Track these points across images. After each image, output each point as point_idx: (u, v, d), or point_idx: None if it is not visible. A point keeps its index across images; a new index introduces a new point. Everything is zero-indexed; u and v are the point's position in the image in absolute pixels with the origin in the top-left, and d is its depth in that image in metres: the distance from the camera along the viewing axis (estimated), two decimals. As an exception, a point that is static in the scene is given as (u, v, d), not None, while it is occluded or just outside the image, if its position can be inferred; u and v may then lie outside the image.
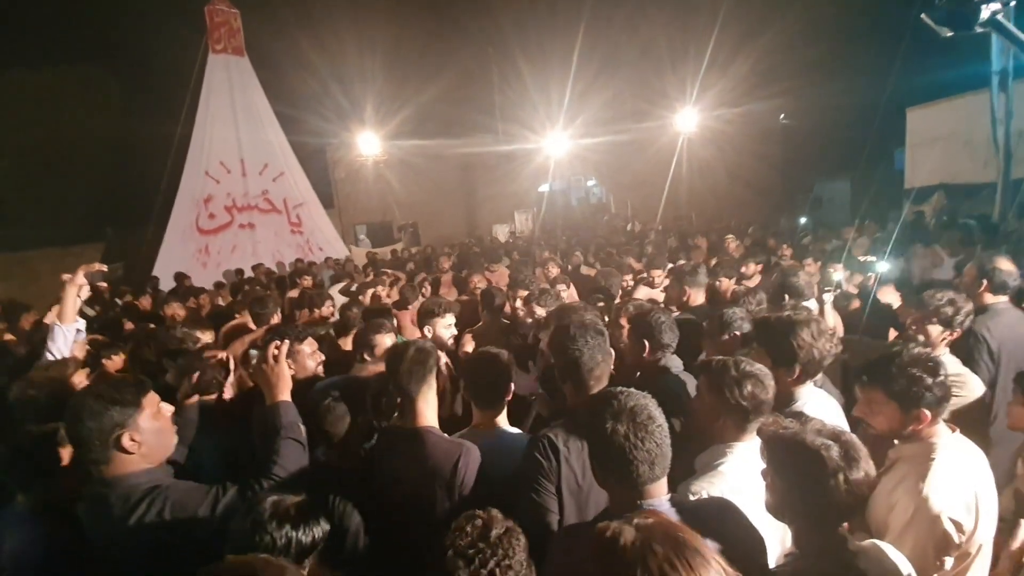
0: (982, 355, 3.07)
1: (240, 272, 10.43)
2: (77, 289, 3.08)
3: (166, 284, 9.75)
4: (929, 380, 1.71)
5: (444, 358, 2.77)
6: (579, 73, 15.99)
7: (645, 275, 4.91)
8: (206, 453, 2.36)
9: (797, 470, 1.40)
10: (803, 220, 12.34)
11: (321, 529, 1.49)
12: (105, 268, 3.48)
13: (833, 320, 3.52)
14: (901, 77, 13.33)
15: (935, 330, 2.83)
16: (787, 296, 3.45)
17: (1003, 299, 3.33)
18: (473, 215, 19.71)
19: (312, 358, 2.83)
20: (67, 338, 3.05)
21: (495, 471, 2.03)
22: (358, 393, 2.11)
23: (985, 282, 3.33)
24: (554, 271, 4.86)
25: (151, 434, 1.76)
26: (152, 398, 1.81)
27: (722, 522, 1.50)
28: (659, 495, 1.48)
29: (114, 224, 13.38)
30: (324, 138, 16.31)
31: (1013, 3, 1.85)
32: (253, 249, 12.64)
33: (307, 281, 7.62)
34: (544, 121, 17.33)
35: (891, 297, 4.14)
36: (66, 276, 3.10)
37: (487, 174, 19.12)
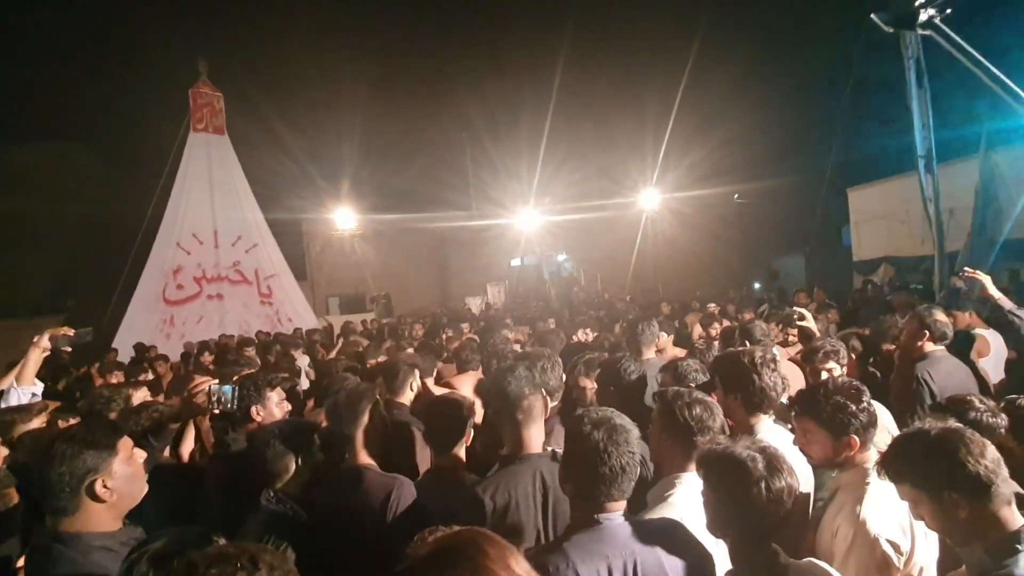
0: (925, 399, 3.24)
1: (204, 344, 10.20)
2: (41, 352, 3.07)
3: (126, 355, 9.45)
4: (853, 407, 1.82)
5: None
6: (548, 155, 17.07)
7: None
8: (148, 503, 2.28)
9: (725, 479, 1.47)
10: (757, 285, 12.88)
11: None
12: (71, 332, 3.42)
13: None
14: (841, 160, 14.61)
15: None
16: (747, 343, 3.74)
17: (941, 348, 3.54)
18: (446, 287, 19.95)
19: (279, 407, 2.82)
20: (21, 400, 3.01)
21: (446, 515, 2.01)
22: (303, 434, 2.11)
23: (927, 332, 3.55)
24: (511, 336, 4.94)
25: (124, 480, 1.66)
26: (126, 442, 1.74)
27: (672, 539, 1.56)
28: (615, 512, 1.54)
29: (78, 296, 13.14)
30: (300, 214, 16.68)
31: (949, 10, 2.12)
32: (220, 320, 12.44)
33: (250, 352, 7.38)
34: (515, 198, 18.16)
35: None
36: (37, 339, 3.09)
37: (460, 248, 19.61)
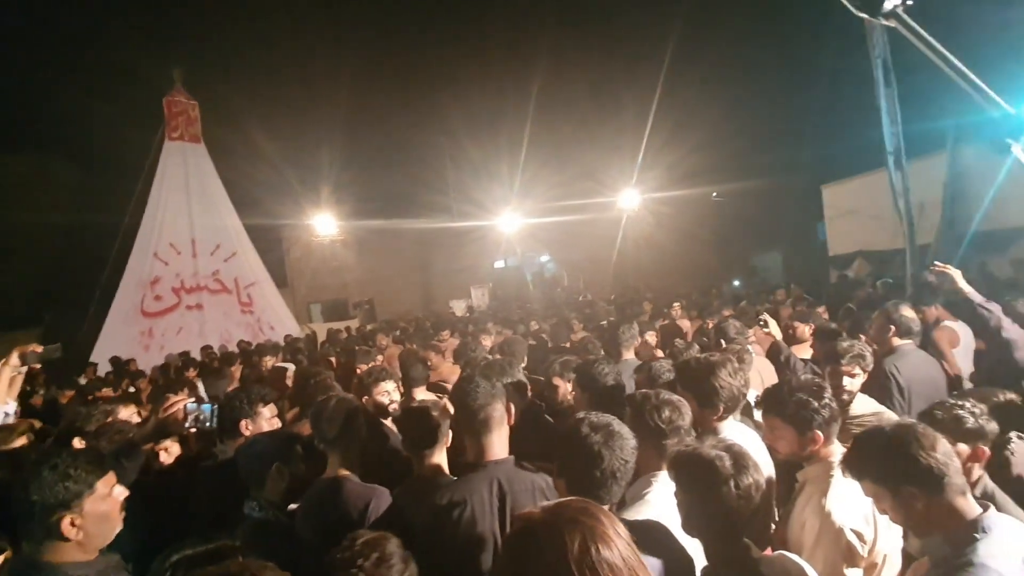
0: (893, 393, 3.33)
1: (185, 354, 10.06)
2: (12, 371, 3.01)
3: (105, 369, 9.30)
4: (815, 403, 1.90)
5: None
6: (528, 157, 17.12)
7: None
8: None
9: (695, 480, 1.52)
10: (736, 283, 13.10)
11: None
12: (40, 349, 3.38)
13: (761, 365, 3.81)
14: (814, 157, 14.94)
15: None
16: (722, 341, 3.83)
17: (909, 342, 3.65)
18: (429, 291, 19.90)
19: (269, 423, 2.81)
20: None
21: (420, 523, 2.02)
22: (286, 446, 2.13)
23: (893, 328, 3.66)
24: (487, 342, 4.96)
25: (94, 520, 1.59)
26: (109, 479, 1.67)
27: (655, 539, 1.61)
28: None
29: (55, 309, 12.88)
30: (280, 220, 16.52)
31: (911, 1, 2.16)
32: (200, 330, 12.27)
33: (268, 362, 7.34)
34: (497, 201, 18.19)
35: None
36: (6, 358, 3.04)
37: (443, 251, 19.58)
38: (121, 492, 1.72)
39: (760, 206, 16.97)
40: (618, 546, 0.95)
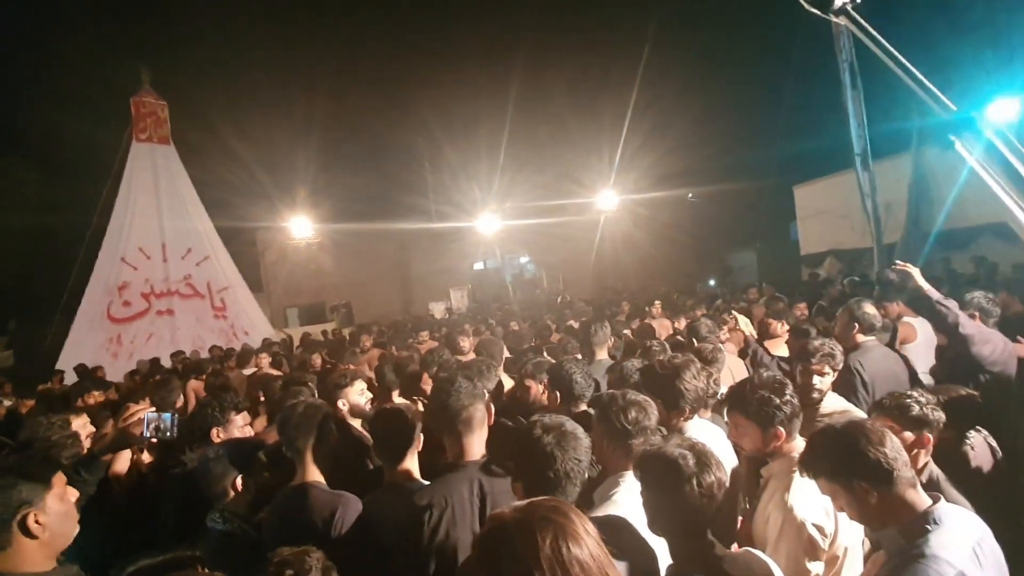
0: (858, 387, 3.42)
1: (156, 361, 9.83)
2: None
3: (72, 377, 9.01)
4: (777, 400, 1.93)
5: None
6: (507, 159, 17.18)
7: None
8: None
9: (659, 479, 1.53)
10: (712, 283, 13.31)
11: None
12: None
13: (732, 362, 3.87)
14: (786, 159, 15.26)
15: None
16: (694, 340, 3.92)
17: (872, 338, 3.75)
18: (409, 293, 19.77)
19: (242, 431, 2.75)
20: None
21: (396, 529, 1.98)
22: (246, 452, 2.08)
23: (857, 325, 3.75)
24: (465, 343, 4.94)
25: (57, 518, 1.59)
26: (61, 477, 1.67)
27: (619, 537, 1.61)
28: None
29: (20, 317, 12.46)
30: (254, 223, 16.24)
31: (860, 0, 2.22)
32: (171, 337, 11.98)
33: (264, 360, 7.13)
34: (476, 202, 18.16)
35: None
36: None
37: (422, 254, 19.48)
38: (73, 492, 1.71)
39: (735, 207, 17.32)
40: (588, 544, 0.97)
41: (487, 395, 2.26)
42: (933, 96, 2.10)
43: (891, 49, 2.09)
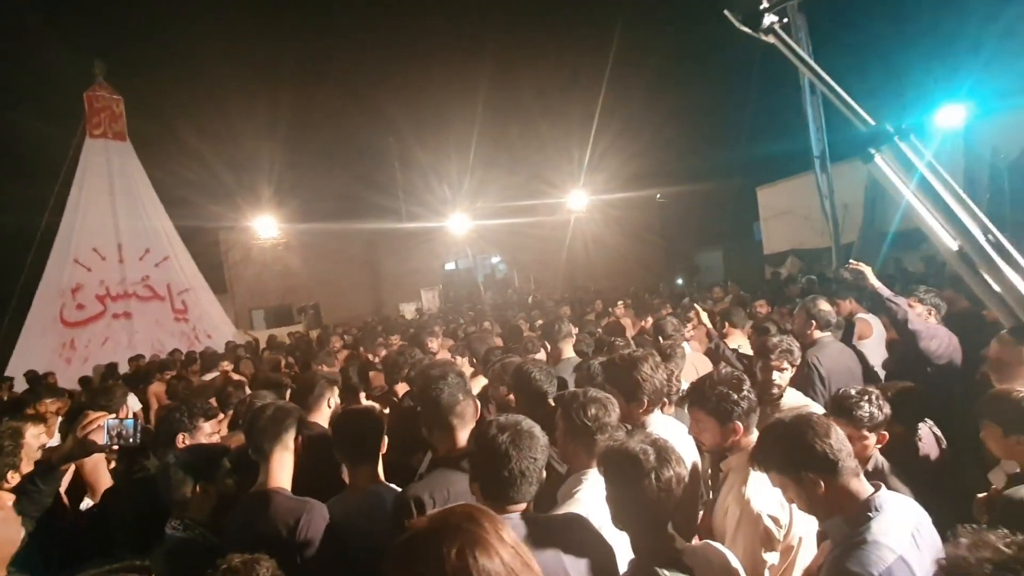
0: (815, 382, 3.54)
1: (112, 366, 9.46)
2: None
3: (22, 384, 8.59)
4: (735, 396, 1.99)
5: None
6: (477, 159, 17.15)
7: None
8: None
9: (620, 473, 1.56)
10: (679, 281, 13.60)
11: None
12: None
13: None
14: (750, 161, 15.68)
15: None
16: (660, 338, 4.02)
17: (828, 334, 3.89)
18: (378, 295, 19.54)
19: (208, 439, 2.68)
20: None
21: (360, 532, 1.99)
22: (207, 458, 2.03)
23: (813, 322, 3.88)
24: (433, 344, 4.92)
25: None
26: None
27: (572, 534, 1.63)
28: (515, 513, 1.59)
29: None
30: (217, 222, 15.79)
31: (786, 19, 2.30)
32: (129, 340, 11.54)
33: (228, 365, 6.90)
34: (447, 202, 18.08)
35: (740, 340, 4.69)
36: None
37: (392, 254, 19.28)
38: (7, 497, 1.70)
39: (702, 207, 17.73)
40: (500, 553, 0.94)
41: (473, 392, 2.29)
42: (852, 110, 2.19)
43: (815, 66, 2.20)
